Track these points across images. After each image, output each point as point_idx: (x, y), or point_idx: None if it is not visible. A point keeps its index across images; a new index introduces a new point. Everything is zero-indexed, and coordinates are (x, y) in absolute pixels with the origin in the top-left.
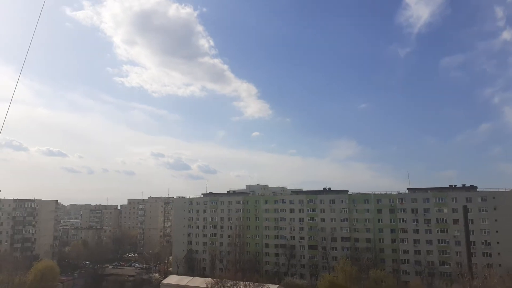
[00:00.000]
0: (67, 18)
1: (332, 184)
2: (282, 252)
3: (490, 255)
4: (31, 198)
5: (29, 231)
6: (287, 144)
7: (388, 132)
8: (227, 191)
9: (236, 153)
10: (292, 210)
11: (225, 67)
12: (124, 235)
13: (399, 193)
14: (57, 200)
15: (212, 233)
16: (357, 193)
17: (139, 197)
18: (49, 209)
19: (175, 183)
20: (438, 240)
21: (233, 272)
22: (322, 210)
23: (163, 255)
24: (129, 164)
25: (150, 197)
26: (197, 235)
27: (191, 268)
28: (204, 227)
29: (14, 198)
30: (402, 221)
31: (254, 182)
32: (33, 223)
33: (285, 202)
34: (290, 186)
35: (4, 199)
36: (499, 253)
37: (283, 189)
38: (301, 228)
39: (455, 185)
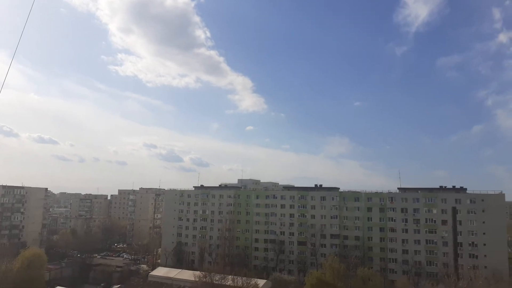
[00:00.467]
0: (62, 3)
1: (324, 181)
2: (271, 248)
3: (477, 256)
4: (21, 185)
5: (17, 218)
6: (281, 139)
7: (382, 130)
8: (219, 185)
9: (229, 147)
10: (283, 206)
11: (221, 59)
12: (114, 225)
13: (389, 192)
14: (46, 188)
15: (202, 226)
16: (348, 191)
17: (130, 188)
18: (38, 197)
19: (167, 174)
20: (426, 240)
21: (221, 266)
22: (313, 207)
23: (152, 246)
24: (121, 154)
25: (141, 188)
26: (187, 228)
27: (180, 260)
28: (195, 220)
29: (3, 185)
30: (392, 221)
31: (246, 176)
32: (22, 210)
33: (276, 198)
34: (282, 181)
35: None
36: (485, 255)
37: (275, 185)
38: (291, 224)
39: (445, 186)
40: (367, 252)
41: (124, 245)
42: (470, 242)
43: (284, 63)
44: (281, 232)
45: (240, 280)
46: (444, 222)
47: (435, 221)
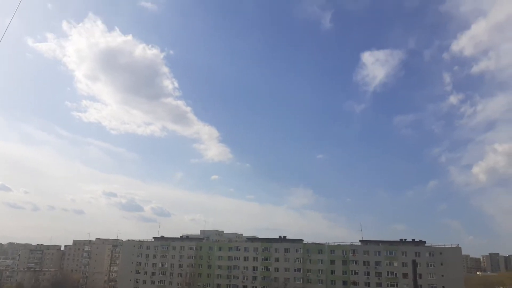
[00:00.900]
0: (28, 49)
1: (288, 232)
2: None
3: None
4: None
5: None
6: (245, 189)
7: (343, 183)
8: (180, 236)
9: (193, 196)
10: (246, 258)
11: (188, 109)
12: (65, 278)
13: (352, 245)
14: None
15: (160, 280)
16: (312, 243)
17: (86, 238)
18: None
19: (126, 224)
20: None
21: None
22: (277, 259)
23: None
24: (79, 202)
25: (97, 239)
26: (144, 282)
27: None
28: (153, 273)
29: None
30: (354, 273)
31: (209, 227)
32: None
33: (239, 250)
34: (246, 232)
35: None
36: None
37: (239, 236)
38: (254, 278)
39: (405, 239)
40: None
41: None
42: None
43: (250, 115)
44: (243, 286)
45: None
46: (405, 275)
47: (396, 274)
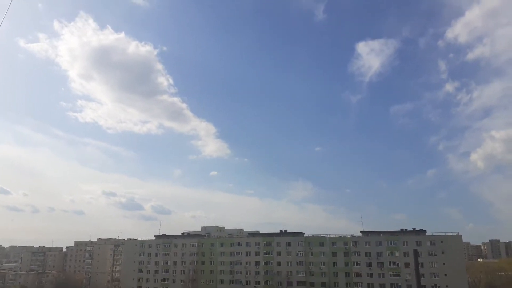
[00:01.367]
0: (20, 50)
1: (289, 226)
2: None
3: None
4: None
5: None
6: (244, 184)
7: (342, 175)
8: (182, 233)
9: (192, 193)
10: (248, 253)
11: (184, 105)
12: (69, 279)
13: (353, 236)
14: None
15: (164, 278)
16: (313, 236)
17: (87, 239)
18: None
19: (126, 224)
20: (391, 284)
21: None
22: (279, 253)
23: None
24: (78, 203)
25: (99, 239)
26: (147, 280)
27: None
28: (156, 271)
29: None
30: (356, 265)
31: (210, 223)
32: None
33: (241, 245)
34: (247, 227)
35: None
36: None
37: (240, 231)
38: (257, 272)
39: (406, 229)
40: None
41: None
42: (433, 284)
43: (246, 110)
44: (246, 281)
45: None
46: (407, 265)
47: (398, 264)
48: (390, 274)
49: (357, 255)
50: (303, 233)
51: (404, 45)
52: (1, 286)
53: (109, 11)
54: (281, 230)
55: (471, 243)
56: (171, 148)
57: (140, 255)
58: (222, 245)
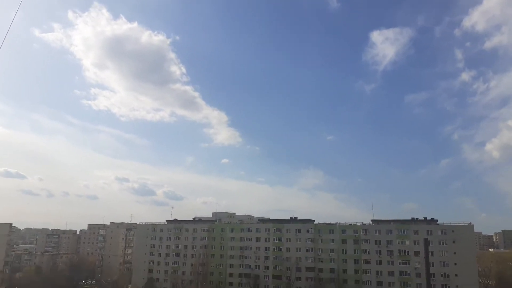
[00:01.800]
0: (35, 39)
1: (299, 213)
2: (246, 282)
3: (449, 287)
4: None
5: None
6: (255, 172)
7: (354, 164)
8: (193, 218)
9: (204, 179)
10: (258, 239)
11: (196, 94)
12: (82, 261)
13: (363, 224)
14: (11, 224)
15: (174, 261)
16: (323, 223)
17: (100, 223)
18: (2, 233)
19: (139, 209)
20: (400, 271)
21: None
22: (288, 240)
23: (122, 283)
24: (92, 188)
25: (111, 223)
26: (158, 263)
27: None
28: (167, 255)
29: None
30: (366, 252)
31: (221, 209)
32: None
33: (251, 231)
34: (258, 214)
35: None
36: (457, 286)
37: (250, 218)
38: (266, 258)
39: (417, 218)
40: (342, 285)
41: (92, 282)
42: (443, 273)
43: (258, 98)
44: (256, 266)
45: None
46: (416, 253)
47: (408, 252)
48: (400, 262)
49: (367, 242)
50: (313, 221)
51: (419, 34)
52: (17, 266)
53: (122, 1)
54: (291, 217)
55: (483, 233)
56: (183, 136)
57: (152, 239)
58: (232, 230)
